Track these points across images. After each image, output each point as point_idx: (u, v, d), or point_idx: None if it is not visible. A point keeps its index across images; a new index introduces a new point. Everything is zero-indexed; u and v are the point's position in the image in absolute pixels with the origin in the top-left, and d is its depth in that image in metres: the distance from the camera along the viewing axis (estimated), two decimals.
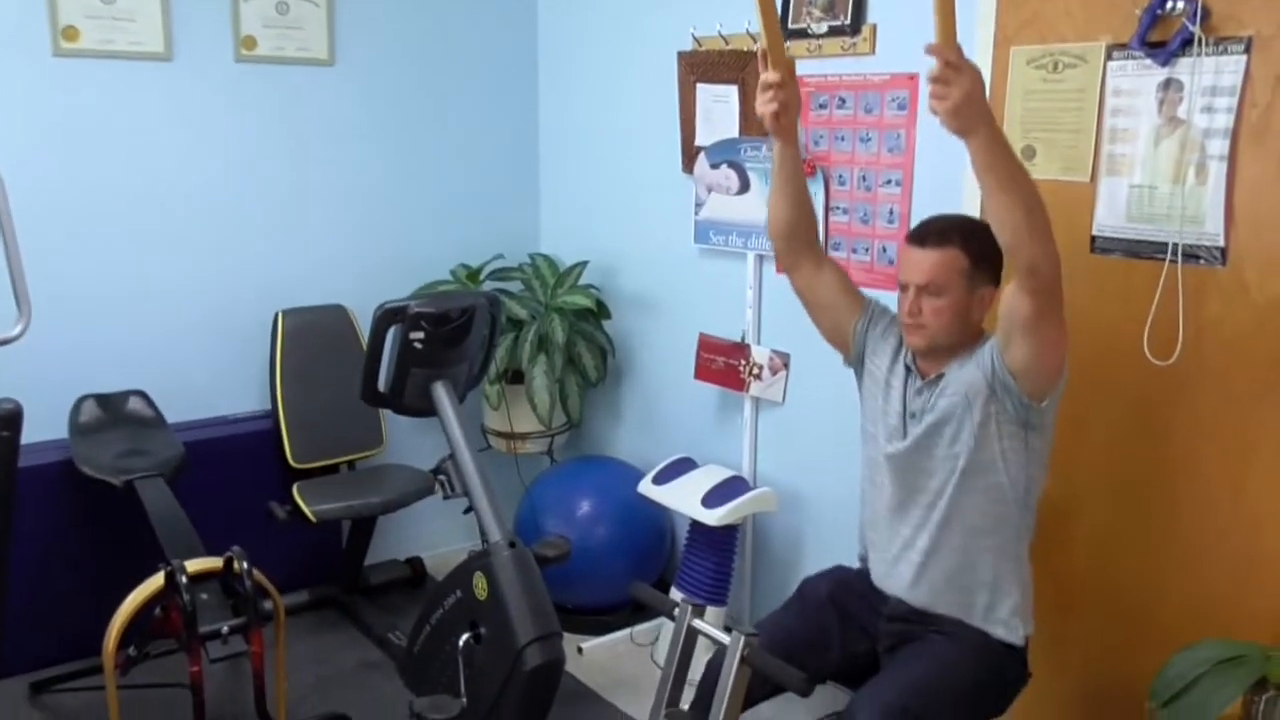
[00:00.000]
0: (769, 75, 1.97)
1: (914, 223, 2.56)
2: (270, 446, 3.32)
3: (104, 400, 3.08)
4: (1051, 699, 2.46)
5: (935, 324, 2.02)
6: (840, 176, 2.82)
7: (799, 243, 2.21)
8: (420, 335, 2.69)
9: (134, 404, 3.11)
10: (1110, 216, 2.27)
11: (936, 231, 2.04)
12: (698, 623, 1.96)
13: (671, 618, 2.00)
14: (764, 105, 2.00)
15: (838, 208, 2.85)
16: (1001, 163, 1.73)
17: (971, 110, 1.67)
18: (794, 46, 2.84)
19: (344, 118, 3.50)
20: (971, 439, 1.99)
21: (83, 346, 3.12)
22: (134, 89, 3.11)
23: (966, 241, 2.00)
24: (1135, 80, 2.20)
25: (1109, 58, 2.23)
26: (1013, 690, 2.10)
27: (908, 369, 2.12)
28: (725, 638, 1.90)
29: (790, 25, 2.85)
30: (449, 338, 2.72)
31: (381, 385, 2.78)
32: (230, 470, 3.24)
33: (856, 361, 2.25)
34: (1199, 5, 2.05)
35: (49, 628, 2.97)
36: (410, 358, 2.69)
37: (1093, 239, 2.29)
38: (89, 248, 3.11)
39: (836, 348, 2.29)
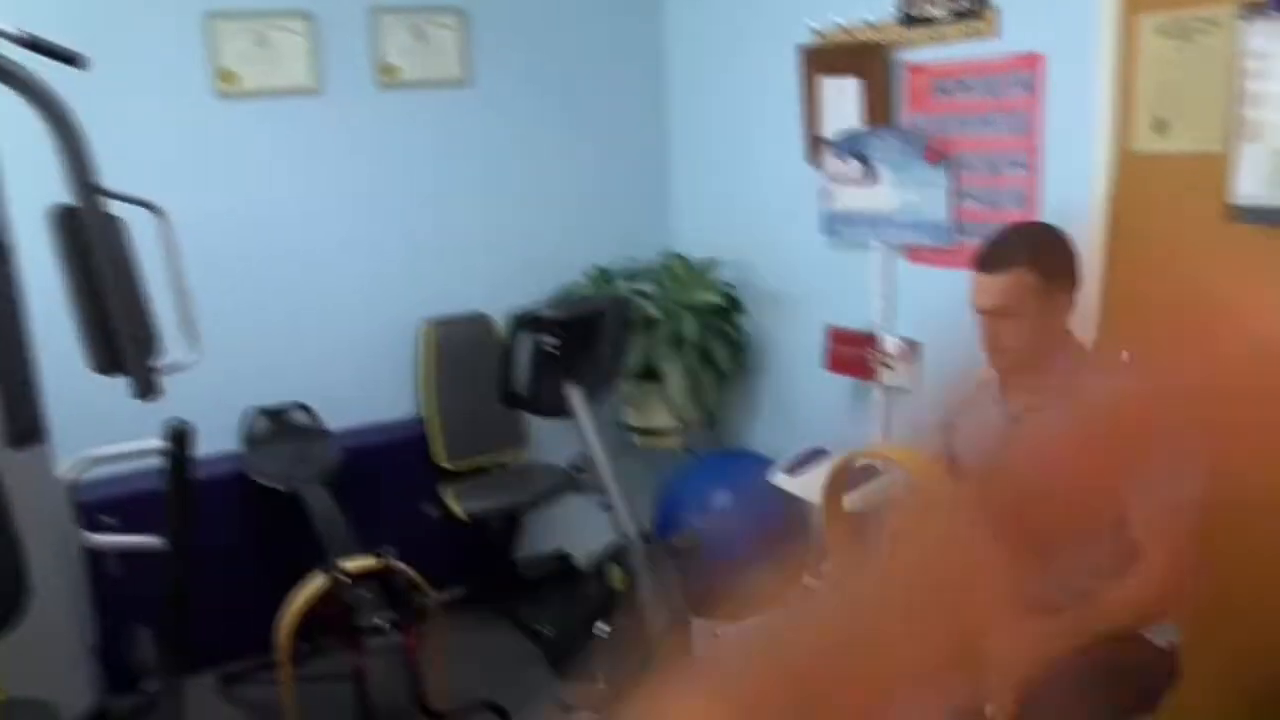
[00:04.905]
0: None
1: (1044, 207, 2.50)
2: (420, 450, 3.50)
3: (270, 413, 3.31)
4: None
5: (1016, 345, 1.93)
6: (968, 162, 2.77)
7: None
8: (553, 340, 2.79)
9: (297, 415, 3.34)
10: (1253, 185, 2.16)
11: (1001, 254, 1.94)
12: None
13: None
14: None
15: (967, 194, 2.80)
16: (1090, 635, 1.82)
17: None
18: (915, 34, 2.82)
19: (479, 133, 3.64)
20: None
21: (248, 363, 3.35)
22: (287, 123, 3.34)
23: (1033, 259, 1.91)
24: (1274, 42, 2.09)
25: (1244, 19, 2.13)
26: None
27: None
28: None
29: (911, 13, 2.83)
30: (581, 341, 2.81)
31: (519, 389, 2.90)
32: (385, 474, 3.42)
33: None
34: None
35: (229, 626, 3.21)
36: (544, 362, 2.79)
37: (1234, 208, 2.19)
38: (250, 273, 3.35)
39: None
